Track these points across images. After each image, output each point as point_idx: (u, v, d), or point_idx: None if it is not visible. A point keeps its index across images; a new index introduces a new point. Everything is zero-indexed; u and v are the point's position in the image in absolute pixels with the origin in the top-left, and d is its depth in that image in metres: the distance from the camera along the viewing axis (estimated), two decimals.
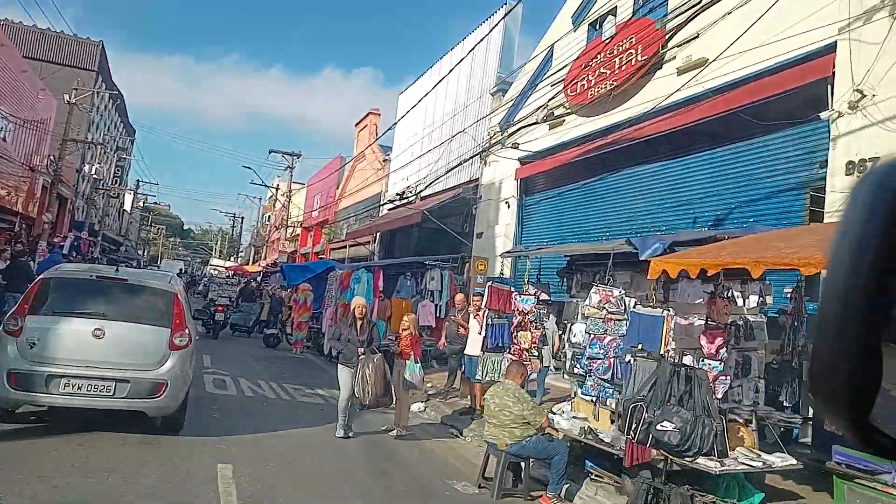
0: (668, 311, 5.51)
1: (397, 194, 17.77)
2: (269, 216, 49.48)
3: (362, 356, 7.29)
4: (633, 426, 4.65)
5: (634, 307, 5.81)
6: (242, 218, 65.99)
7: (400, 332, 8.47)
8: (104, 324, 6.23)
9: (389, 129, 23.53)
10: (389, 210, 23.97)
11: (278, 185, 45.38)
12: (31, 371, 5.92)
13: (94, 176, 36.71)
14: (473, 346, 8.93)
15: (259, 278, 38.61)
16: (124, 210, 59.40)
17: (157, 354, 6.33)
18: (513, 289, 8.70)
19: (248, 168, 66.92)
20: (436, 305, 14.73)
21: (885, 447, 0.60)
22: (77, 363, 6.03)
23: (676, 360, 5.36)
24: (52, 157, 29.33)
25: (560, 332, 10.00)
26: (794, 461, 5.30)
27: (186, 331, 6.61)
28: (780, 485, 6.01)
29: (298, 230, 40.39)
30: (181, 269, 43.49)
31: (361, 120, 33.65)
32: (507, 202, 16.24)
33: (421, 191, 16.80)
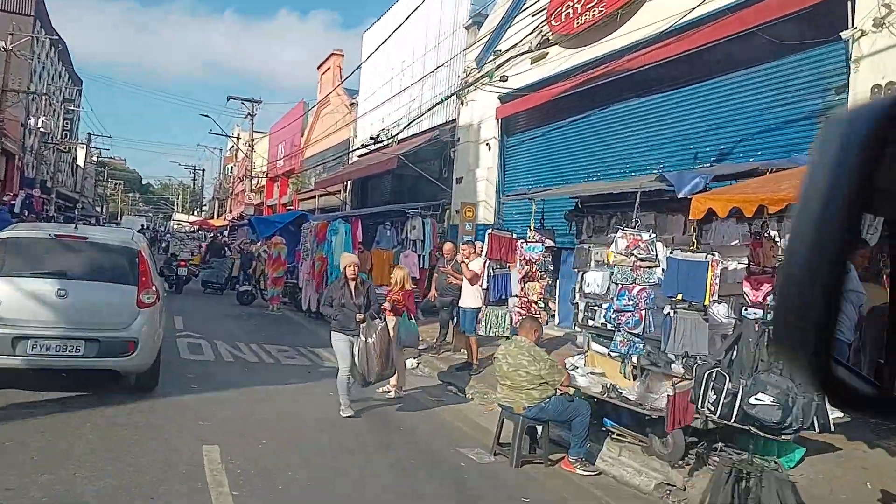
0: (713, 255, 4.91)
1: (371, 138, 16.74)
2: (232, 167, 47.65)
3: (362, 323, 6.35)
4: (712, 398, 4.08)
5: (671, 252, 5.19)
6: (203, 170, 63.72)
7: (391, 285, 7.79)
8: (67, 283, 6.09)
9: (355, 70, 22.31)
10: (360, 157, 22.91)
11: (239, 135, 43.50)
12: None
13: (41, 129, 34.42)
14: (469, 299, 8.32)
15: (226, 232, 37.39)
16: (78, 165, 56.58)
17: (125, 313, 6.23)
18: (515, 236, 8.02)
19: (207, 116, 63.85)
20: (419, 255, 14.05)
21: (848, 398, 0.60)
22: (43, 324, 5.92)
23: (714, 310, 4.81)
24: None
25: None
26: (840, 414, 4.88)
27: (153, 288, 6.54)
28: (813, 437, 5.63)
29: (263, 181, 38.89)
30: (143, 226, 41.97)
31: (324, 62, 31.94)
32: (487, 144, 15.42)
33: (397, 133, 15.83)
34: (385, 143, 16.32)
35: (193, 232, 45.61)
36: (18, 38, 30.53)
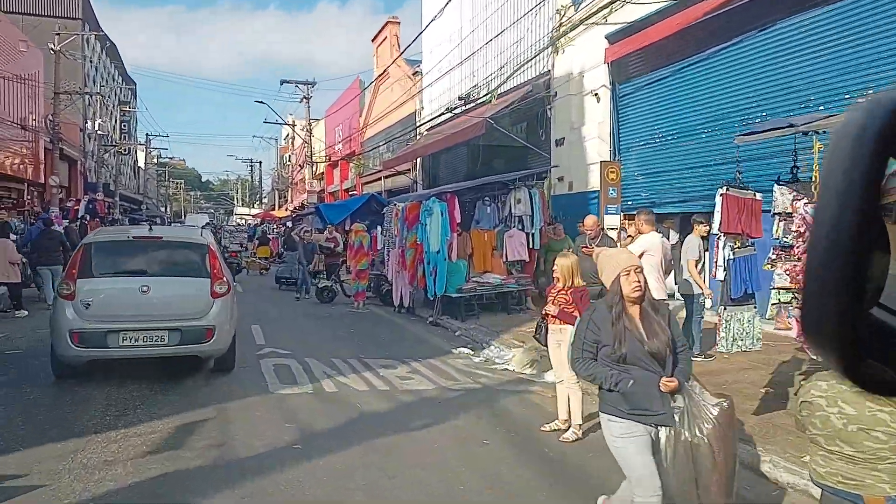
0: None
1: (459, 98, 14.46)
2: (289, 156, 46.38)
3: (673, 392, 3.16)
4: None
5: None
6: (260, 162, 63.15)
7: (556, 282, 5.53)
8: (148, 280, 6.63)
9: (418, 35, 19.96)
10: (429, 130, 20.68)
11: (294, 122, 42.03)
12: (91, 329, 6.33)
13: (99, 132, 33.72)
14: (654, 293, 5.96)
15: (289, 223, 36.15)
16: (139, 167, 56.78)
17: (201, 303, 6.72)
18: (758, 195, 5.50)
19: (261, 103, 62.49)
20: (527, 234, 11.76)
21: (881, 385, 0.59)
22: (130, 318, 6.44)
23: None
24: (49, 117, 26.30)
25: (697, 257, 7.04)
26: None
27: (224, 279, 7.00)
28: None
29: (323, 167, 37.28)
30: (207, 222, 41.42)
31: (378, 33, 29.71)
32: (595, 95, 12.87)
33: (489, 93, 13.42)
34: (469, 106, 13.97)
35: (238, 226, 45.37)
36: (66, 37, 29.65)
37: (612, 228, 9.00)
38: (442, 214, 10.94)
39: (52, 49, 24.71)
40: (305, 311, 13.03)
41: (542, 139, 14.25)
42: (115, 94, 49.19)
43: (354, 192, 31.31)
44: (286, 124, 41.04)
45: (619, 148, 12.82)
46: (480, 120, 13.62)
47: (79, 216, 25.77)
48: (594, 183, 12.94)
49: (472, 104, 14.32)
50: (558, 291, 5.46)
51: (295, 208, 40.45)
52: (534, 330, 6.05)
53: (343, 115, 34.22)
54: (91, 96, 32.22)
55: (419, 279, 11.71)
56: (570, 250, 11.11)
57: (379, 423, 5.58)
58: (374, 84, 29.25)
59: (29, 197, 27.00)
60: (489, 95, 13.13)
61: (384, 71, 26.89)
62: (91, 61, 41.89)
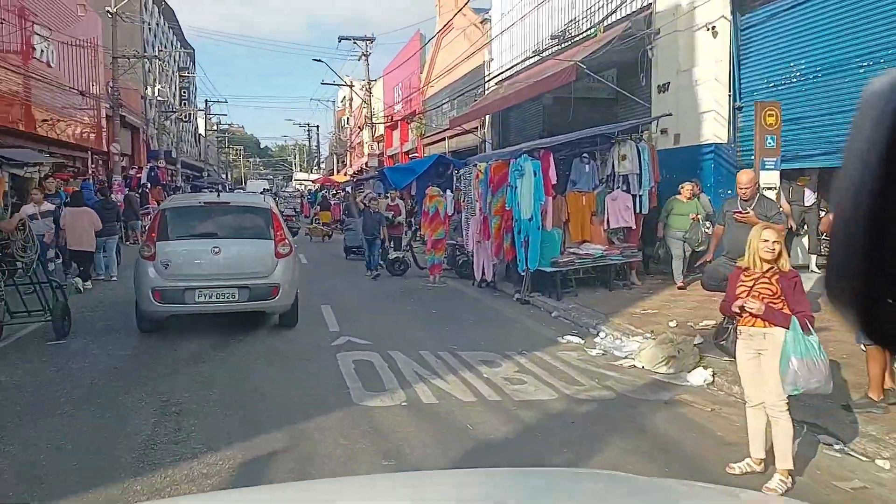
0: None
1: (552, 37, 12.59)
2: (348, 119, 45.19)
3: None
4: None
5: None
6: (318, 126, 62.41)
7: (750, 258, 3.91)
8: (219, 242, 7.22)
9: None
10: (500, 83, 18.84)
11: (352, 83, 40.66)
12: (170, 287, 6.98)
13: (159, 97, 33.26)
14: None
15: (349, 188, 35.29)
16: (199, 135, 56.94)
17: (267, 263, 7.29)
18: None
19: (319, 61, 60.60)
20: (634, 197, 10.02)
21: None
22: (204, 277, 7.09)
23: None
24: (109, 83, 25.74)
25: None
26: None
27: (287, 241, 7.57)
28: None
29: (382, 129, 35.86)
30: (264, 188, 41.50)
31: None
32: (711, 28, 10.81)
33: (601, 21, 11.43)
34: (562, 46, 12.09)
35: (297, 191, 45.24)
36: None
37: (770, 187, 7.21)
38: (535, 175, 9.33)
39: (108, 12, 23.90)
40: (378, 286, 11.77)
41: (642, 85, 12.29)
42: (174, 60, 48.95)
43: (416, 155, 29.83)
44: (344, 85, 39.70)
45: (741, 92, 10.80)
46: (570, 65, 11.77)
47: (140, 184, 25.38)
48: (708, 135, 11.01)
49: (569, 42, 12.41)
50: (758, 279, 3.85)
51: (355, 172, 39.43)
52: (710, 331, 4.46)
53: (402, 73, 32.52)
54: (150, 61, 31.62)
55: (506, 250, 10.22)
56: (701, 216, 9.41)
57: (502, 454, 4.18)
58: (436, 38, 27.38)
59: (93, 165, 26.80)
60: (594, 29, 11.21)
61: (448, 22, 24.97)
62: (149, 26, 41.47)
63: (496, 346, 6.97)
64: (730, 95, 10.87)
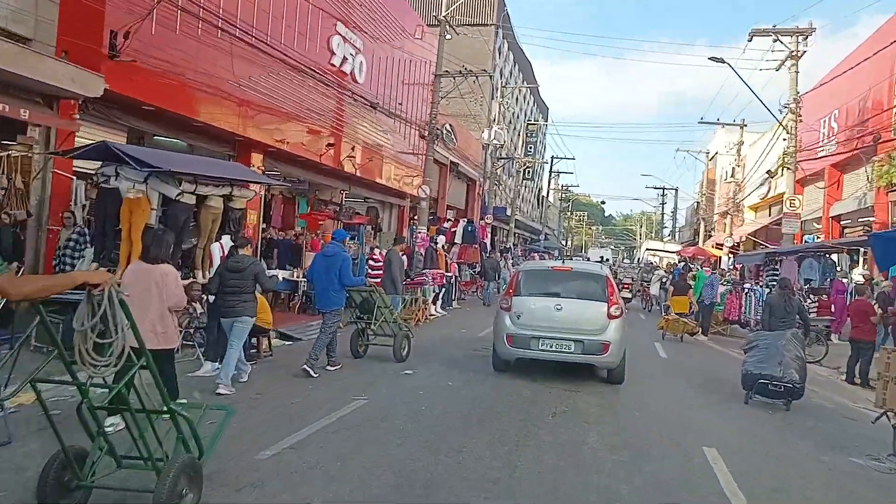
0: None
1: None
2: (732, 171, 34.17)
3: None
4: None
5: None
6: (676, 189, 52.33)
7: None
8: (561, 301, 8.59)
9: None
10: None
11: (744, 121, 30.11)
12: (521, 334, 8.48)
13: (495, 140, 27.94)
14: None
15: (681, 262, 25.37)
16: (543, 196, 52.28)
17: (600, 322, 8.41)
18: None
19: (720, 60, 49.24)
20: None
21: None
22: (548, 328, 8.43)
23: None
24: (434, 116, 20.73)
25: None
26: None
27: (619, 304, 8.65)
28: None
29: (783, 184, 24.09)
30: (601, 257, 35.76)
31: None
32: None
33: None
34: None
35: (639, 260, 37.80)
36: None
37: None
38: None
39: (437, 19, 18.88)
40: None
41: None
42: (524, 112, 45.08)
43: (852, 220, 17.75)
44: (723, 124, 29.28)
45: None
46: None
47: (452, 241, 19.25)
48: None
49: None
50: None
51: (738, 240, 28.37)
52: None
53: (846, 86, 20.82)
54: (493, 99, 26.50)
55: None
56: None
57: None
58: None
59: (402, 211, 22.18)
60: None
61: None
62: (502, 73, 37.80)
63: None
64: None
